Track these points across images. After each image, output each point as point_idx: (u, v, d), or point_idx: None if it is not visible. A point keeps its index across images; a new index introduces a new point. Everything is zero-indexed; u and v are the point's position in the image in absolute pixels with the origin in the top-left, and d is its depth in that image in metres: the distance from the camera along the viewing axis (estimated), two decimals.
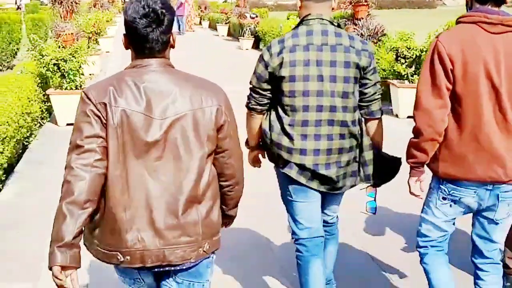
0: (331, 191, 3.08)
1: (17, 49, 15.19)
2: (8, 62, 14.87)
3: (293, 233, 3.16)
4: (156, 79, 2.15)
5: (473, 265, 3.02)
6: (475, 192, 2.76)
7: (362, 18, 11.97)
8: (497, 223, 2.85)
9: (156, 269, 2.24)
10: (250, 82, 3.03)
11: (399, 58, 8.86)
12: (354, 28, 11.67)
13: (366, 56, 2.90)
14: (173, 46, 2.24)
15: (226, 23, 25.30)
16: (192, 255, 2.21)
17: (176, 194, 2.15)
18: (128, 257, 2.15)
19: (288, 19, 18.02)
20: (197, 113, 2.16)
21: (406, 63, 8.75)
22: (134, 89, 2.12)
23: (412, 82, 8.59)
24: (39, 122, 8.27)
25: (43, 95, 8.53)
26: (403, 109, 8.78)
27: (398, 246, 4.42)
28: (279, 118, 2.96)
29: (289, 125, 2.92)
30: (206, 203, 2.23)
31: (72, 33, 9.77)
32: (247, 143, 3.27)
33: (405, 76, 8.84)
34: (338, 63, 2.86)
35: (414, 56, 8.60)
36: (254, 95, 3.03)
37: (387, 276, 3.98)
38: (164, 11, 2.11)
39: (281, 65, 2.87)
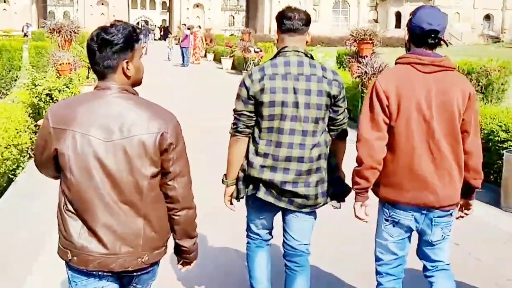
0: (301, 209, 3.26)
1: (17, 76, 15.06)
2: (6, 89, 14.75)
3: (248, 231, 3.52)
4: (110, 104, 2.36)
5: (425, 278, 3.21)
6: (412, 215, 3.02)
7: (367, 56, 11.74)
8: (434, 245, 3.10)
9: (104, 273, 2.43)
10: (235, 109, 3.22)
11: None
12: (358, 66, 11.42)
13: (336, 86, 3.19)
14: (126, 75, 2.40)
15: (230, 57, 25.29)
16: (131, 264, 2.42)
17: (120, 210, 2.37)
18: (76, 258, 2.39)
19: None
20: (142, 138, 2.34)
21: None
22: (88, 112, 2.34)
23: None
24: (29, 154, 7.97)
25: (35, 125, 8.25)
26: None
27: None
28: (254, 139, 3.21)
29: (265, 145, 3.17)
30: (149, 219, 2.42)
31: (69, 63, 9.56)
32: (225, 177, 3.40)
33: None
34: (312, 92, 3.13)
35: None
36: (241, 118, 3.22)
37: None
38: (108, 39, 2.33)
39: (262, 90, 3.12)
